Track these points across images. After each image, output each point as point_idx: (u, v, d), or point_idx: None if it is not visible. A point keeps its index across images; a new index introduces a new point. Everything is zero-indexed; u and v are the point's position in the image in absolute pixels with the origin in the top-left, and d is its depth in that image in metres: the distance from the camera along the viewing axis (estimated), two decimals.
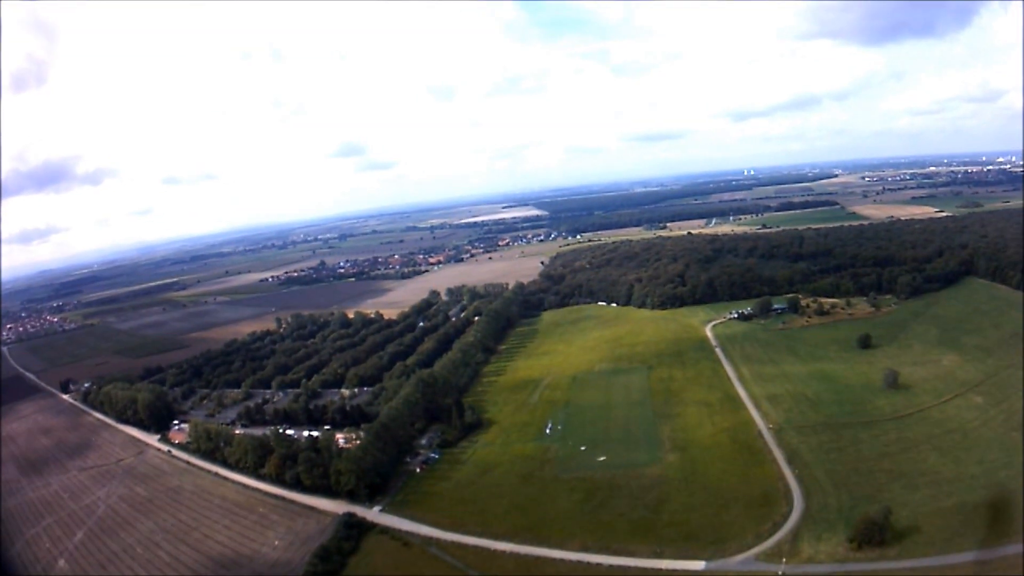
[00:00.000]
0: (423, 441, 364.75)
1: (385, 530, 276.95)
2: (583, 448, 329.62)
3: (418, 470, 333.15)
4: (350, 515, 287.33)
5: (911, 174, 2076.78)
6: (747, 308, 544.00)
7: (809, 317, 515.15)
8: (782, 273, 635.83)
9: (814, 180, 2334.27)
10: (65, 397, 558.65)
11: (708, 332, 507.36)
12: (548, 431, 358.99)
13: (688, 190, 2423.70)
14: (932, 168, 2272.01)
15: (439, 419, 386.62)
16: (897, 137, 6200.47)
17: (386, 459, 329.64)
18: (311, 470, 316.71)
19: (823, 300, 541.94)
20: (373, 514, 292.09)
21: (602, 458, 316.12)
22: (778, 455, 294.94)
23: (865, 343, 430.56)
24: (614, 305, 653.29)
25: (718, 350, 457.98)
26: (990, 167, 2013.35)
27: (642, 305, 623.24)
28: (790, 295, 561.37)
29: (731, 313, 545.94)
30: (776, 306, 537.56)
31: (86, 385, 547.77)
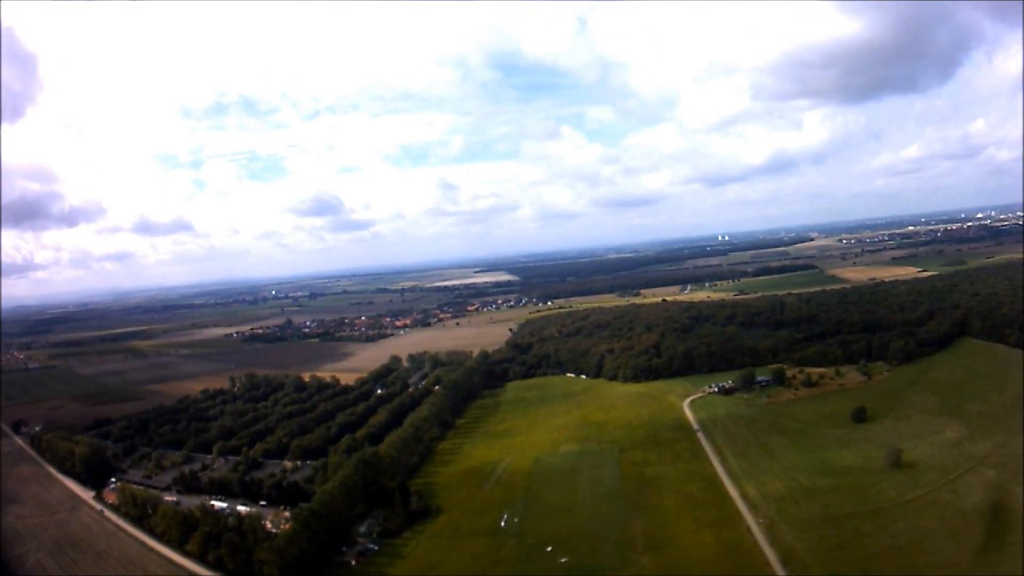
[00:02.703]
0: (362, 528, 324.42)
1: None
2: (548, 549, 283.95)
3: (354, 562, 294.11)
4: None
5: (889, 234, 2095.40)
6: (728, 381, 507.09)
7: (796, 389, 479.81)
8: (764, 342, 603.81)
9: (790, 244, 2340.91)
10: (16, 439, 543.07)
11: (686, 408, 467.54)
12: (503, 523, 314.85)
13: (662, 256, 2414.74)
14: (911, 227, 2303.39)
15: (383, 503, 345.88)
16: (874, 198, 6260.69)
17: (316, 549, 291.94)
18: (233, 554, 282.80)
19: (810, 370, 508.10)
20: None
21: (564, 559, 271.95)
22: (771, 556, 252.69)
23: (860, 417, 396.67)
24: (583, 377, 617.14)
25: (697, 429, 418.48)
26: (970, 223, 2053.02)
27: (614, 378, 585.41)
28: (774, 366, 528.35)
29: (711, 387, 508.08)
30: (760, 378, 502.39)
31: (37, 429, 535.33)
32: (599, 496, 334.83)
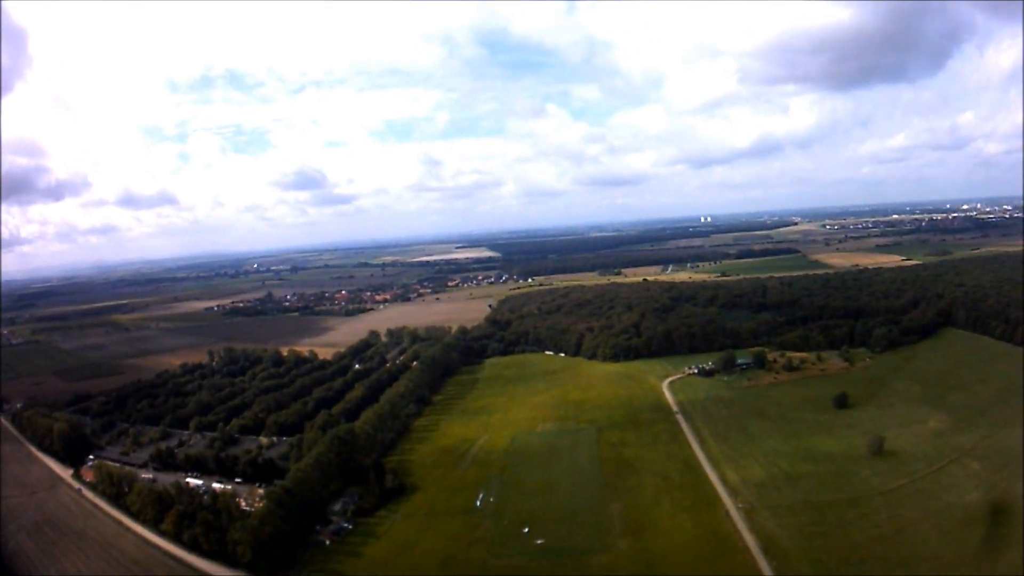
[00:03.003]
0: (337, 507, 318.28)
1: None
2: (523, 530, 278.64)
3: (328, 542, 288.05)
4: None
5: (873, 222, 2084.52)
6: (708, 363, 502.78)
7: (777, 373, 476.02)
8: (746, 325, 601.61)
9: (773, 228, 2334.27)
10: None
11: (665, 389, 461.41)
12: (479, 503, 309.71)
13: (644, 236, 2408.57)
14: (895, 216, 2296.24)
15: (358, 481, 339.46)
16: (859, 185, 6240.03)
17: (290, 528, 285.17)
18: (208, 533, 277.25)
19: (791, 355, 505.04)
20: None
21: (540, 541, 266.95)
22: (751, 542, 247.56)
23: (842, 402, 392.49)
24: (562, 355, 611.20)
25: (677, 411, 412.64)
26: (955, 214, 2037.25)
27: (593, 356, 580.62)
28: (755, 349, 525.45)
29: (691, 368, 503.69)
30: (741, 361, 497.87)
31: (18, 406, 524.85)
32: (576, 477, 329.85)
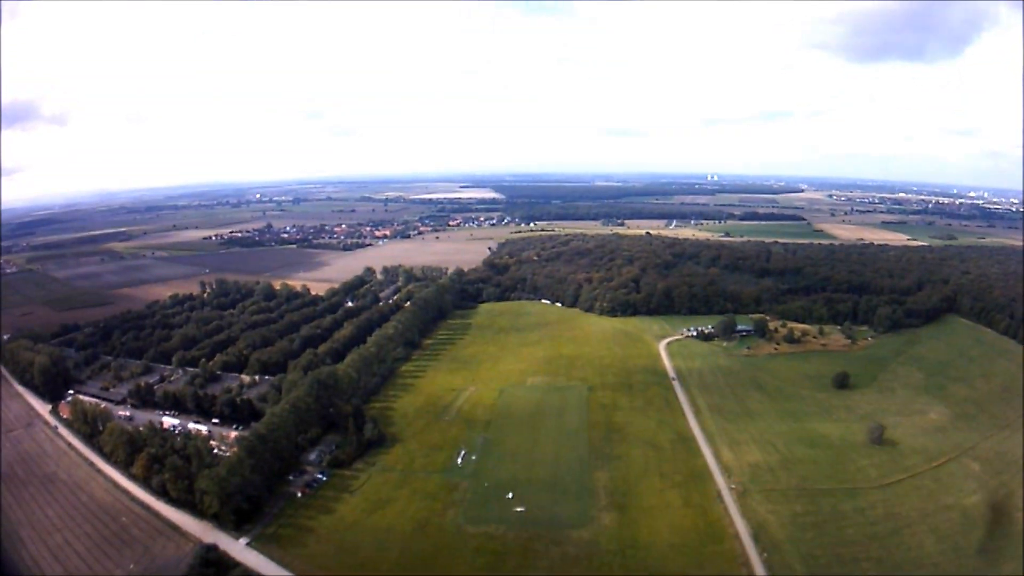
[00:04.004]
0: (312, 456, 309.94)
1: (247, 573, 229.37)
2: (508, 495, 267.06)
3: (299, 494, 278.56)
4: (211, 548, 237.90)
5: (880, 198, 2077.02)
6: (708, 326, 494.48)
7: (777, 344, 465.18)
8: (748, 289, 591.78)
9: (779, 193, 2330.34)
10: None
11: (662, 350, 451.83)
12: (460, 461, 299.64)
13: (650, 188, 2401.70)
14: (902, 194, 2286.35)
15: (337, 428, 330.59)
16: (867, 160, 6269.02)
17: (260, 478, 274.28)
18: (176, 480, 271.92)
19: (793, 325, 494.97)
20: (239, 548, 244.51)
21: (520, 508, 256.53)
22: (741, 528, 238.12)
23: (842, 383, 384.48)
24: (559, 305, 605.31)
25: (673, 376, 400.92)
26: (962, 200, 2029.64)
27: (590, 309, 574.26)
28: (756, 315, 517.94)
29: (689, 330, 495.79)
30: (741, 327, 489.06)
31: (5, 337, 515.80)
32: (563, 439, 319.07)
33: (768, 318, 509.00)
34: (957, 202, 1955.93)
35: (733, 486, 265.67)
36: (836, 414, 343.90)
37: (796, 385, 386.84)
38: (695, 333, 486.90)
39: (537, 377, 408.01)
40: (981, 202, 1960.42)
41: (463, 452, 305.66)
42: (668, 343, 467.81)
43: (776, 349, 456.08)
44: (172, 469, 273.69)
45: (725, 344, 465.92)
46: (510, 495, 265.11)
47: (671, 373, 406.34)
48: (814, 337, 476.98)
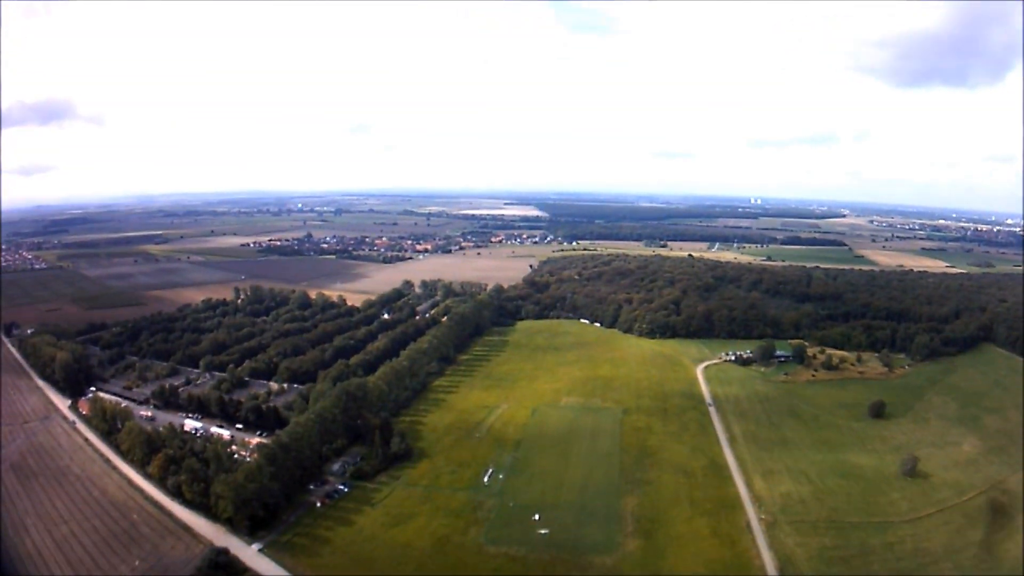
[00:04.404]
0: (335, 467, 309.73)
1: None
2: (534, 516, 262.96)
3: (319, 504, 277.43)
4: (222, 552, 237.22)
5: (920, 224, 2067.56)
6: (747, 350, 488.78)
7: (815, 371, 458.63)
8: (788, 314, 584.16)
9: (822, 217, 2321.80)
10: (6, 342, 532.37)
11: (700, 374, 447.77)
12: (487, 479, 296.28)
13: (693, 211, 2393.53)
14: (942, 221, 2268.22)
15: (364, 440, 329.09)
16: (908, 186, 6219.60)
17: (279, 486, 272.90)
18: (192, 483, 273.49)
19: (832, 352, 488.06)
20: (250, 554, 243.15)
21: (544, 531, 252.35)
22: (768, 560, 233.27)
23: (878, 412, 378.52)
24: (598, 325, 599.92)
25: (709, 402, 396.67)
26: (999, 228, 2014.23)
27: (628, 330, 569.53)
28: (795, 341, 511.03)
29: (728, 354, 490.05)
30: (779, 353, 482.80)
31: (28, 332, 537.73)
32: (594, 461, 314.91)
33: (807, 344, 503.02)
34: (995, 229, 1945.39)
35: (763, 516, 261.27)
36: (870, 444, 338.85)
37: (832, 414, 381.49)
38: (733, 357, 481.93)
39: (571, 397, 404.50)
40: (1019, 230, 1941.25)
41: (491, 470, 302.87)
42: (706, 367, 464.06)
43: (814, 376, 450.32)
44: (189, 471, 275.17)
45: (763, 369, 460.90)
46: (536, 516, 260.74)
47: (707, 398, 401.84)
48: (852, 364, 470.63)
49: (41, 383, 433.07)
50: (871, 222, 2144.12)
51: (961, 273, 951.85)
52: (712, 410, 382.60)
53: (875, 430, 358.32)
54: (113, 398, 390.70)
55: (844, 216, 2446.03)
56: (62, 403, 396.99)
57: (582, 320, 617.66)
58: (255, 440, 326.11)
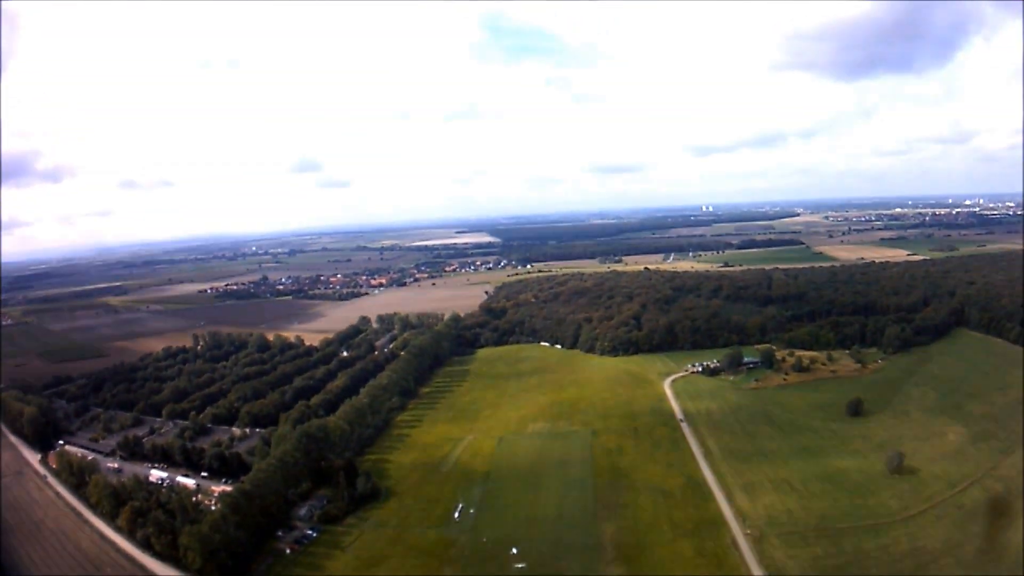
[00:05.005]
0: (303, 511, 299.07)
1: None
2: (512, 550, 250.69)
3: (288, 550, 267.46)
4: None
5: (876, 215, 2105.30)
6: (714, 360, 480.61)
7: (786, 374, 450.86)
8: (752, 319, 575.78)
9: (775, 218, 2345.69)
10: None
11: (667, 389, 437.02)
12: (457, 515, 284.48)
13: (646, 223, 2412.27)
14: (898, 209, 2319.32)
15: (329, 482, 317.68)
16: (861, 177, 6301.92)
17: (246, 534, 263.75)
18: (160, 535, 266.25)
19: (801, 353, 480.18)
20: None
21: (522, 564, 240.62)
22: None
23: (856, 410, 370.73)
24: (559, 347, 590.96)
25: (679, 415, 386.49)
26: (959, 209, 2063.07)
27: (590, 349, 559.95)
28: (762, 346, 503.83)
29: (694, 365, 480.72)
30: (747, 359, 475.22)
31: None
32: (567, 488, 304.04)
33: (775, 348, 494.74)
34: (954, 211, 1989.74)
35: (749, 531, 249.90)
36: (852, 445, 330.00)
37: (808, 417, 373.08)
38: (700, 368, 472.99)
39: (538, 424, 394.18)
40: (978, 209, 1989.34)
41: (460, 506, 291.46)
42: (673, 380, 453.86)
43: (785, 380, 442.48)
44: (155, 524, 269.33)
45: (732, 378, 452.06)
46: (514, 550, 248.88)
47: (678, 413, 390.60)
48: (823, 364, 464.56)
49: (12, 438, 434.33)
50: (826, 218, 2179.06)
51: (924, 260, 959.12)
52: (684, 425, 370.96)
53: (855, 429, 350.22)
54: (80, 451, 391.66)
55: (798, 215, 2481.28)
56: (33, 457, 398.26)
57: (542, 343, 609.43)
58: (219, 488, 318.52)
